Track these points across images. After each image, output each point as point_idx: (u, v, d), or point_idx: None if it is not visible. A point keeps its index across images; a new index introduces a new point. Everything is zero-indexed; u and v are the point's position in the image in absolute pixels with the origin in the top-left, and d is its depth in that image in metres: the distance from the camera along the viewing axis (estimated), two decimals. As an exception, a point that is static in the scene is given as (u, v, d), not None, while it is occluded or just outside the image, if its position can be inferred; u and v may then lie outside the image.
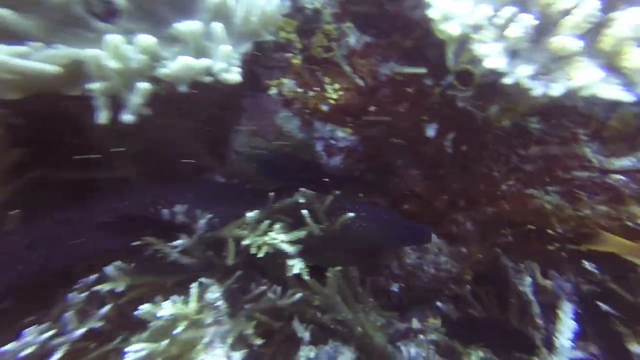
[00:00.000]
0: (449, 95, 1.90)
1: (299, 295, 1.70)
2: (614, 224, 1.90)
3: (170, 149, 1.93)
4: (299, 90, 1.90)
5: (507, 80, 1.49)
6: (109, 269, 1.58)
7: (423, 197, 2.03)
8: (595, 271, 1.94)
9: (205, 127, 1.94)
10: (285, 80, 1.90)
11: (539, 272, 2.02)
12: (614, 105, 1.87)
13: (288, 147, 1.97)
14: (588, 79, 1.38)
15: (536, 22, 1.44)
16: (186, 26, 1.43)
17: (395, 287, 2.26)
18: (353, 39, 1.95)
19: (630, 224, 1.88)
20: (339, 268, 1.74)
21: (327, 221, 1.74)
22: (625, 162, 1.95)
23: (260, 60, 1.89)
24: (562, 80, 1.45)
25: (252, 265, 1.78)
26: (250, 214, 1.62)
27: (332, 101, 1.89)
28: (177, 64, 1.39)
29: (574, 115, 1.90)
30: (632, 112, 1.88)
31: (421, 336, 2.09)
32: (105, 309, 1.54)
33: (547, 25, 1.47)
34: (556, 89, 1.45)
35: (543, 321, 1.92)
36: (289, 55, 1.92)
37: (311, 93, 1.90)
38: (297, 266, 1.60)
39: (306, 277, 1.63)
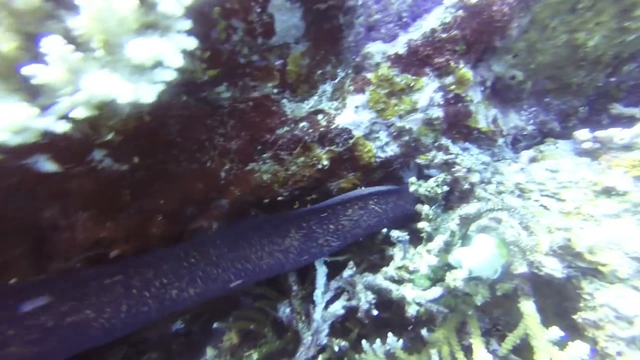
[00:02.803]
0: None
1: None
2: (313, 170, 1.90)
3: None
4: None
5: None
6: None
7: (119, 238, 1.46)
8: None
9: None
10: None
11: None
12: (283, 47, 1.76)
13: None
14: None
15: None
16: None
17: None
18: None
19: (320, 166, 1.89)
20: None
21: None
22: (312, 102, 1.95)
23: None
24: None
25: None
26: None
27: None
28: None
29: (252, 69, 1.69)
30: (300, 51, 1.82)
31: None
32: None
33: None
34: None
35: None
36: None
37: None
38: None
39: None
